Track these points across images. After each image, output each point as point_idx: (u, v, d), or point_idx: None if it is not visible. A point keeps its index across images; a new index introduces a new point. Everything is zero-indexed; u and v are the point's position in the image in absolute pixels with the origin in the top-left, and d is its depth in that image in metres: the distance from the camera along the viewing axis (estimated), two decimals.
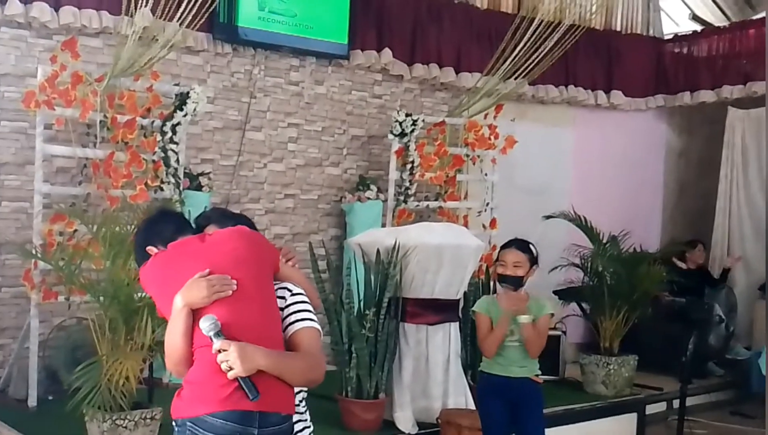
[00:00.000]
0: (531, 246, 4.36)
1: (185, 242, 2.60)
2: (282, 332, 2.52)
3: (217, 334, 2.36)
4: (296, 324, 2.54)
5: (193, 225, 2.82)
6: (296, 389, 2.57)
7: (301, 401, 2.72)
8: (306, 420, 2.74)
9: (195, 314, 2.42)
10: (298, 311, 2.57)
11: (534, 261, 4.33)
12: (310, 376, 2.52)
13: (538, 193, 7.96)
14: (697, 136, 9.68)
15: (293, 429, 2.57)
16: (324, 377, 2.56)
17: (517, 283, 4.29)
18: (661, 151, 9.56)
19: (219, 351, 2.35)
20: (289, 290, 2.61)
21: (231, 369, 2.33)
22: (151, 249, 2.68)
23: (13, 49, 5.68)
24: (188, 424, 2.41)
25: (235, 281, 2.44)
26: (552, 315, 4.45)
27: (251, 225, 2.83)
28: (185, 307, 2.42)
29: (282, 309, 2.56)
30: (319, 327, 2.58)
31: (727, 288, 7.92)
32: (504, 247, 4.42)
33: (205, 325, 2.37)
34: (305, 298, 2.62)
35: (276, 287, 2.60)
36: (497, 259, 4.45)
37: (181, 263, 2.51)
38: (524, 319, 4.21)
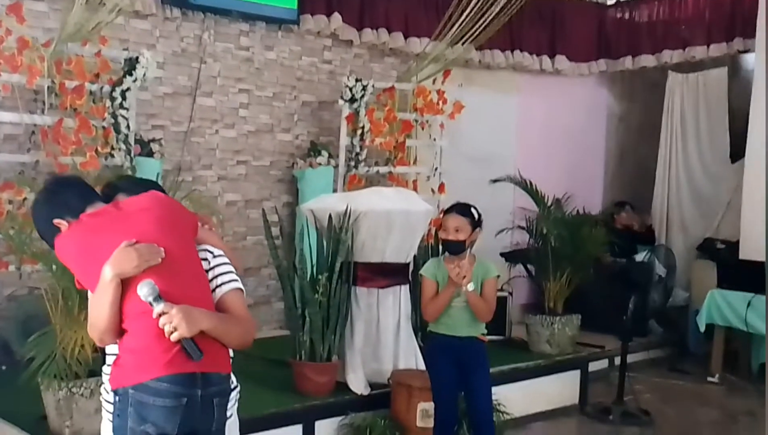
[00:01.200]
0: (473, 209, 4.42)
1: (102, 212, 2.55)
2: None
3: (157, 299, 2.37)
4: (223, 286, 2.58)
5: (100, 194, 2.73)
6: None
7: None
8: (234, 380, 2.75)
9: (124, 284, 2.41)
10: (223, 274, 2.60)
11: (476, 224, 4.40)
12: (245, 339, 2.58)
13: (485, 159, 8.09)
14: (637, 102, 9.91)
15: (231, 389, 2.62)
16: (252, 340, 2.62)
17: (458, 248, 4.37)
18: (603, 117, 9.78)
19: (160, 315, 2.36)
20: (211, 252, 2.63)
21: (174, 331, 2.35)
22: (60, 222, 2.57)
23: None
24: (131, 391, 2.42)
25: (162, 248, 2.43)
26: (498, 277, 4.55)
27: (162, 191, 2.83)
28: (115, 277, 2.39)
29: (207, 271, 2.58)
30: (243, 288, 2.62)
31: (665, 248, 8.17)
32: (446, 212, 4.50)
33: (144, 290, 2.37)
34: (226, 260, 2.65)
35: (198, 250, 2.61)
36: (440, 225, 4.54)
37: (103, 233, 2.47)
38: (469, 287, 4.28)
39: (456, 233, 4.37)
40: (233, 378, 2.73)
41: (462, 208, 4.44)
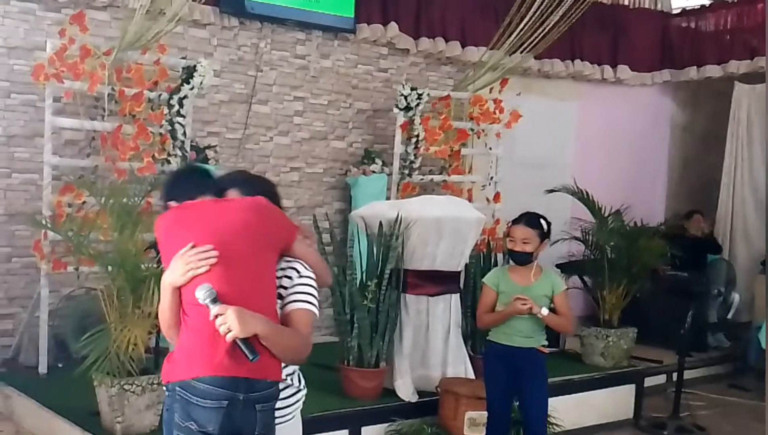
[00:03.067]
0: (542, 220, 4.38)
1: (198, 204, 2.64)
2: (278, 307, 2.59)
3: (214, 301, 2.43)
4: (296, 304, 2.61)
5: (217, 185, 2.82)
6: None
7: (292, 372, 2.76)
8: (293, 385, 2.77)
9: (188, 283, 2.49)
10: (302, 293, 2.63)
11: (545, 235, 4.36)
12: (296, 356, 2.60)
13: (541, 167, 8.02)
14: (701, 111, 9.69)
15: (278, 395, 2.60)
16: (305, 359, 2.63)
17: (525, 259, 4.35)
18: (666, 126, 9.59)
19: (216, 317, 2.41)
20: (298, 272, 2.65)
21: (229, 332, 2.39)
22: (172, 204, 2.74)
23: (22, 22, 5.76)
24: (177, 388, 2.49)
25: (215, 253, 2.47)
26: (567, 289, 4.51)
27: (274, 192, 2.85)
28: (169, 285, 2.53)
29: (287, 287, 2.62)
30: (317, 311, 2.64)
31: (726, 262, 7.97)
32: (514, 222, 4.45)
33: (201, 293, 2.43)
34: (312, 282, 2.67)
35: (285, 265, 2.65)
36: (508, 234, 4.51)
37: (187, 225, 2.56)
38: (543, 312, 4.28)
39: (523, 245, 4.33)
40: (298, 380, 2.77)
41: (530, 219, 4.39)
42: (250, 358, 2.41)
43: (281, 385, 2.65)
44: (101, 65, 5.50)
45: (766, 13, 7.26)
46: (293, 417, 2.79)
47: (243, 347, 2.41)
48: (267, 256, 2.59)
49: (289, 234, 2.69)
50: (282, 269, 2.67)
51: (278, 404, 2.67)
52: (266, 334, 2.45)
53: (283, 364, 2.63)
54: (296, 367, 2.79)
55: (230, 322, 2.38)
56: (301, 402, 2.82)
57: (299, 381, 2.80)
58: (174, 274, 2.50)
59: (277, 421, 2.68)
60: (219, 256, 2.48)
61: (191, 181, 2.80)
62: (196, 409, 2.45)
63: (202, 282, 2.46)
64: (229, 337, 2.40)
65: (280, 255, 2.66)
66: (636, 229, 6.99)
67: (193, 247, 2.49)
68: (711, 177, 9.07)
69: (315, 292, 2.66)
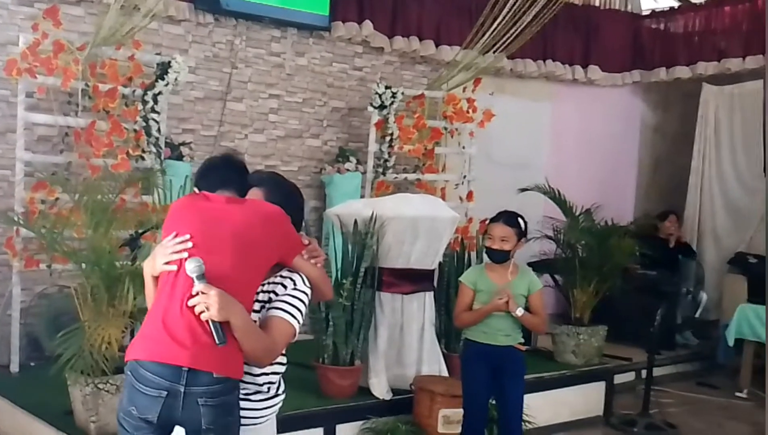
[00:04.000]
0: (519, 219, 4.46)
1: (209, 198, 2.64)
2: (263, 313, 2.61)
3: (201, 277, 2.45)
4: (279, 311, 2.60)
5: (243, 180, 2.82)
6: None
7: (264, 375, 2.70)
8: (267, 392, 2.72)
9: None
10: (288, 304, 2.62)
11: (522, 234, 4.44)
12: (261, 356, 2.56)
13: (514, 167, 8.07)
14: (672, 112, 9.82)
15: (231, 391, 2.53)
16: (265, 365, 2.62)
17: (502, 257, 4.42)
18: (637, 127, 9.70)
19: (196, 294, 2.43)
20: (294, 283, 2.66)
21: (206, 311, 2.41)
22: (196, 190, 2.77)
23: None
24: (128, 371, 2.52)
25: (189, 244, 2.48)
26: (541, 290, 4.56)
27: (297, 201, 2.82)
28: (146, 273, 2.61)
29: (278, 294, 2.63)
30: (296, 326, 2.62)
31: (695, 262, 8.08)
32: (492, 220, 4.51)
33: (191, 266, 2.45)
34: (303, 297, 2.66)
35: (285, 274, 2.66)
36: (485, 232, 4.55)
37: (187, 216, 2.58)
38: (518, 312, 4.34)
39: (501, 243, 4.39)
40: (277, 387, 2.74)
41: (509, 218, 4.46)
42: (218, 341, 2.41)
43: (249, 389, 2.64)
44: (75, 60, 5.46)
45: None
46: (266, 420, 2.76)
47: (214, 329, 2.42)
48: (255, 262, 2.57)
49: (291, 249, 2.67)
50: (281, 277, 2.68)
51: (249, 405, 2.67)
52: (240, 324, 2.45)
53: (267, 372, 2.65)
54: (279, 373, 2.76)
55: (211, 302, 2.40)
56: (277, 407, 2.79)
57: (278, 387, 2.77)
58: (151, 263, 2.56)
59: (246, 421, 2.67)
60: (202, 247, 2.48)
61: (217, 172, 2.78)
62: (138, 395, 2.46)
63: (168, 274, 2.51)
64: (204, 317, 2.41)
65: (277, 266, 2.65)
66: (607, 228, 7.07)
67: (175, 236, 2.52)
68: (681, 178, 9.18)
69: (302, 308, 2.65)
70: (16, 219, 5.19)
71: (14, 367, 5.42)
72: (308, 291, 2.69)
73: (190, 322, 2.44)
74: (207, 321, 2.42)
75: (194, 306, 2.43)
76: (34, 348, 5.61)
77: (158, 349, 2.44)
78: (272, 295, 2.65)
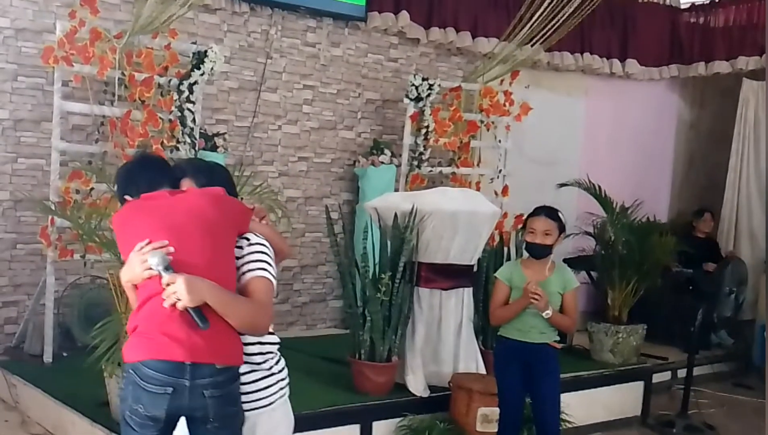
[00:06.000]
0: (560, 214, 4.34)
1: (153, 196, 2.64)
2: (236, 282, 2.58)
3: (167, 268, 2.44)
4: (249, 273, 2.59)
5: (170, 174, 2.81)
6: (253, 340, 2.64)
7: (258, 353, 2.69)
8: (260, 369, 2.70)
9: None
10: (254, 261, 2.61)
11: (563, 229, 4.32)
12: (254, 321, 2.55)
13: (549, 161, 7.97)
14: (708, 108, 9.65)
15: (234, 380, 2.56)
16: (269, 326, 2.62)
17: (545, 252, 4.30)
18: (673, 122, 9.55)
19: (167, 286, 2.42)
20: (247, 239, 2.65)
21: (179, 301, 2.41)
22: (128, 198, 2.72)
23: (31, 3, 5.63)
24: (129, 370, 2.51)
25: (171, 249, 2.48)
26: (577, 288, 4.44)
27: (229, 180, 2.85)
28: (126, 282, 2.62)
29: (238, 258, 2.61)
30: (273, 278, 2.62)
31: (737, 260, 7.92)
32: (533, 214, 4.38)
33: (154, 260, 2.44)
34: (264, 249, 2.65)
35: (237, 240, 2.65)
36: (524, 226, 4.44)
37: (142, 218, 2.58)
38: (546, 314, 4.22)
39: (544, 237, 4.27)
40: (274, 364, 2.72)
41: (550, 212, 4.34)
42: (201, 326, 2.41)
43: (244, 368, 2.61)
44: (111, 49, 5.39)
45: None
46: (271, 404, 2.71)
47: (194, 315, 2.41)
48: (223, 240, 2.59)
49: (244, 217, 2.70)
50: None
51: (245, 389, 2.64)
52: (216, 299, 2.44)
53: (253, 342, 2.63)
54: (272, 351, 2.73)
55: (179, 290, 2.40)
56: (279, 388, 2.75)
57: (276, 364, 2.73)
58: (132, 271, 2.52)
59: (248, 406, 2.65)
60: (173, 243, 2.50)
61: (144, 173, 2.77)
62: (144, 393, 2.47)
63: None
64: (179, 305, 2.41)
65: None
66: (648, 224, 6.95)
67: (149, 243, 2.50)
68: (716, 175, 9.03)
69: (269, 260, 2.64)
70: (53, 208, 5.14)
71: (47, 358, 5.38)
72: (264, 241, 2.68)
73: (177, 316, 2.44)
74: (185, 309, 2.41)
75: (169, 298, 2.44)
76: (67, 338, 5.58)
77: (157, 348, 2.45)
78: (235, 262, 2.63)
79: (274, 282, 2.63)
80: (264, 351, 2.70)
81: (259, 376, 2.68)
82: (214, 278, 2.48)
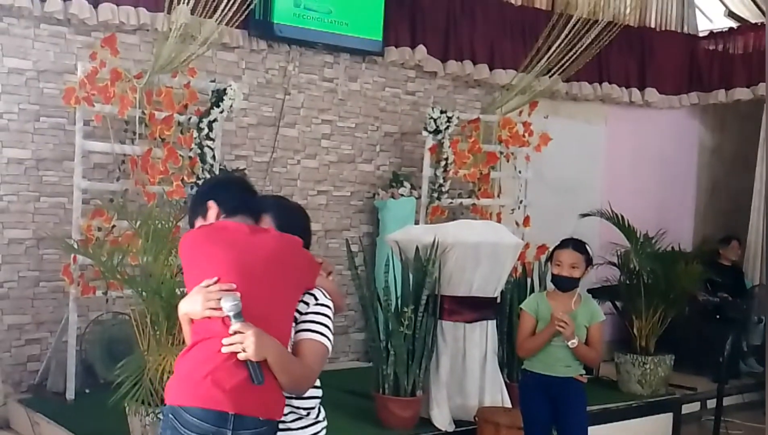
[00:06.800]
0: (587, 246, 4.32)
1: (231, 227, 2.56)
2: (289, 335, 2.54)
3: (237, 316, 2.39)
4: (309, 333, 2.55)
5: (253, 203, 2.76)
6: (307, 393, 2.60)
7: (307, 407, 2.66)
8: (308, 416, 2.67)
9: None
10: (316, 323, 2.57)
11: (590, 261, 4.29)
12: (300, 384, 2.52)
13: (570, 191, 7.92)
14: (729, 134, 9.59)
15: (274, 432, 2.52)
16: (305, 391, 2.57)
17: (572, 284, 4.27)
18: (694, 149, 9.49)
19: (233, 333, 2.37)
20: (315, 298, 2.61)
21: (243, 351, 2.35)
22: (211, 203, 2.65)
23: (52, 45, 5.70)
24: (169, 414, 2.44)
25: (238, 293, 2.41)
26: (603, 321, 4.39)
27: (307, 226, 2.80)
28: (184, 314, 2.52)
29: (302, 313, 2.57)
30: (329, 345, 2.58)
31: (766, 288, 7.79)
32: (559, 247, 4.35)
33: (227, 304, 2.38)
34: (328, 312, 2.62)
35: (304, 293, 2.60)
36: (550, 258, 4.40)
37: (213, 249, 2.50)
38: (572, 343, 4.17)
39: (571, 270, 4.24)
40: (317, 413, 2.69)
41: (577, 245, 4.32)
42: (256, 381, 2.36)
43: (290, 416, 2.58)
44: (131, 88, 5.44)
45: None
46: None
47: (252, 369, 2.37)
48: (291, 294, 2.54)
49: (313, 272, 2.65)
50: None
51: None
52: (277, 358, 2.40)
53: (304, 397, 2.59)
54: (317, 401, 2.70)
55: (247, 343, 2.34)
56: None
57: (319, 413, 2.72)
58: (192, 306, 2.46)
59: None
60: (241, 285, 2.42)
61: (239, 193, 2.72)
62: None
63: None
64: (241, 357, 2.36)
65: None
66: (673, 253, 6.87)
67: (216, 282, 2.44)
68: (739, 201, 8.94)
69: (329, 324, 2.61)
70: (75, 247, 5.16)
71: (70, 394, 5.36)
72: (330, 303, 2.65)
73: (229, 362, 2.38)
74: (245, 361, 2.37)
75: (231, 345, 2.38)
76: (89, 375, 5.56)
77: (200, 393, 2.38)
78: (296, 314, 2.58)
79: (330, 347, 2.59)
80: (312, 405, 2.68)
81: (304, 423, 2.66)
82: (272, 332, 2.43)
